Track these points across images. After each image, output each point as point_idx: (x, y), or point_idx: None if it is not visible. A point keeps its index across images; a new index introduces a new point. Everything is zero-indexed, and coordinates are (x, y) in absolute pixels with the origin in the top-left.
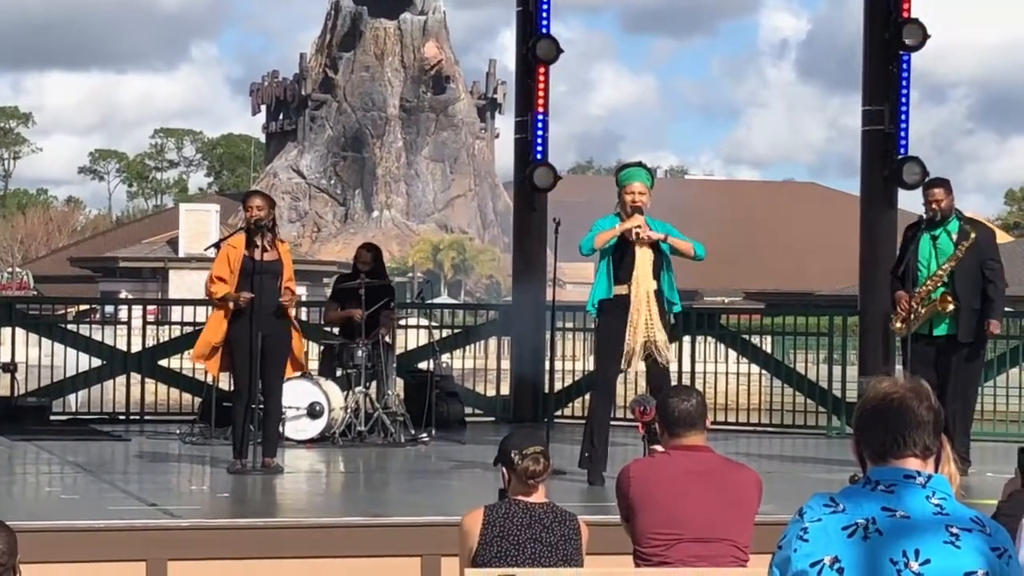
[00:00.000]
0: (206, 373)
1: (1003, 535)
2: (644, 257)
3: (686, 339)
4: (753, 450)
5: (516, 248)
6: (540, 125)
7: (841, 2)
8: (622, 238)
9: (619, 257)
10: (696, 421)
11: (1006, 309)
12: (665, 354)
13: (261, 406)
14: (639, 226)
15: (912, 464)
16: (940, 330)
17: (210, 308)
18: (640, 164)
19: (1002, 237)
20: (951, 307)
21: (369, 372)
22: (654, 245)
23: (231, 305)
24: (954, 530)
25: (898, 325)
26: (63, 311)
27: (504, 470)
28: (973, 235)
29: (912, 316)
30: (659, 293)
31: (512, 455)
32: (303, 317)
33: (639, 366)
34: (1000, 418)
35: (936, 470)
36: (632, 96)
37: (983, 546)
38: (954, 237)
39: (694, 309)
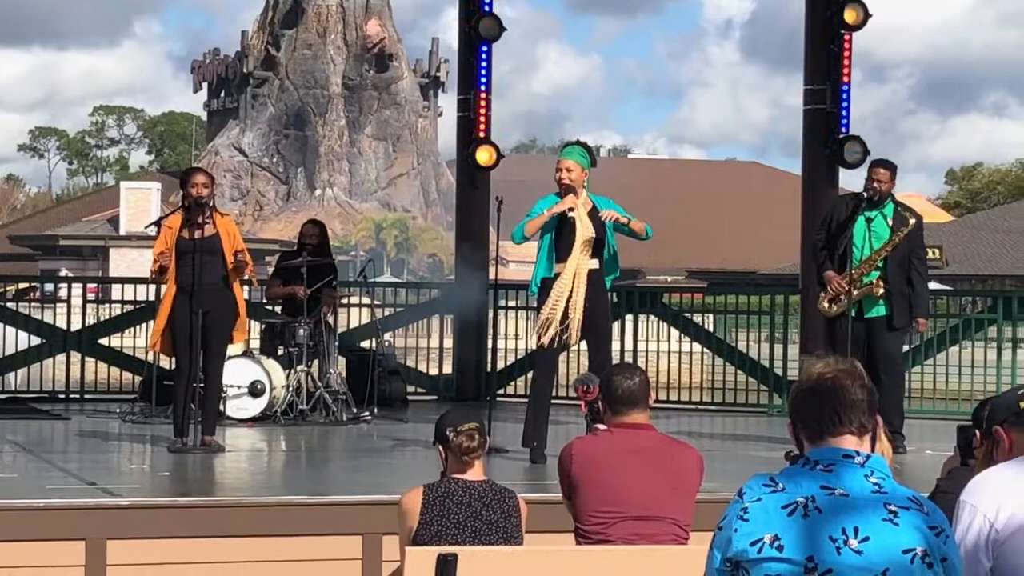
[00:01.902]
0: (146, 352)
1: (940, 515)
2: (584, 233)
3: (628, 317)
4: (695, 428)
5: (459, 227)
6: (483, 104)
7: None
8: (563, 217)
9: (560, 236)
10: (639, 399)
11: (945, 288)
12: (574, 338)
13: (201, 384)
14: (572, 208)
15: (849, 442)
16: (874, 312)
17: (152, 289)
18: (578, 142)
19: (942, 217)
20: (882, 291)
21: (311, 351)
22: (596, 221)
23: (172, 281)
24: (892, 508)
25: (826, 305)
26: (2, 289)
27: (440, 448)
28: (912, 221)
29: (843, 298)
30: (597, 272)
31: (447, 432)
32: (245, 296)
33: (583, 344)
34: (939, 396)
35: (872, 448)
36: (577, 75)
37: (921, 524)
38: (890, 222)
39: (637, 288)
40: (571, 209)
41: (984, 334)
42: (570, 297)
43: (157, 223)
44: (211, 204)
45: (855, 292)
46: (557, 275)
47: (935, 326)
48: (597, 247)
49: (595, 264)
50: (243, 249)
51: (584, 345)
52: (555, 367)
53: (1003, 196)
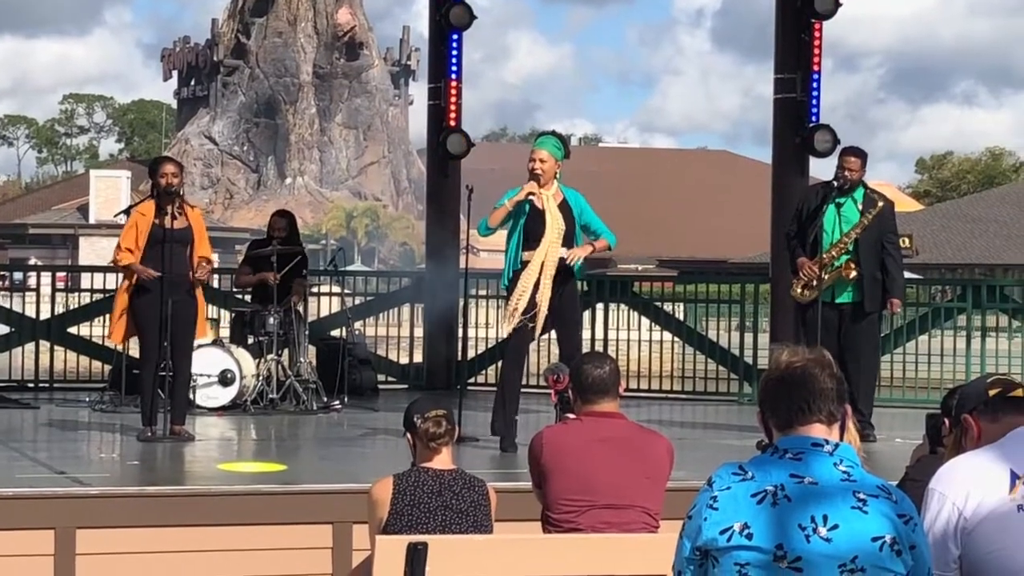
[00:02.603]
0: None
1: (908, 503)
2: (554, 223)
3: (599, 306)
4: (665, 417)
5: (429, 215)
6: (454, 92)
7: None
8: (532, 207)
9: (530, 225)
10: (609, 388)
11: (915, 276)
12: (540, 327)
13: (170, 374)
14: (532, 193)
15: (818, 431)
16: (844, 298)
17: (119, 277)
18: (553, 133)
19: (912, 205)
20: (854, 274)
21: (281, 339)
22: (566, 212)
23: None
24: (861, 496)
25: (799, 291)
26: None
27: (409, 436)
28: (881, 204)
29: (815, 283)
30: (564, 260)
31: (415, 419)
32: (215, 284)
33: (552, 333)
34: (909, 384)
35: (841, 437)
36: (548, 64)
37: (890, 512)
38: (860, 205)
39: (607, 276)
40: (531, 194)
41: (953, 323)
42: (537, 286)
43: (127, 211)
44: (181, 194)
45: (826, 277)
46: (525, 263)
47: (904, 315)
48: (567, 237)
49: (564, 253)
50: (210, 259)
51: (554, 334)
52: (524, 356)
53: (973, 185)
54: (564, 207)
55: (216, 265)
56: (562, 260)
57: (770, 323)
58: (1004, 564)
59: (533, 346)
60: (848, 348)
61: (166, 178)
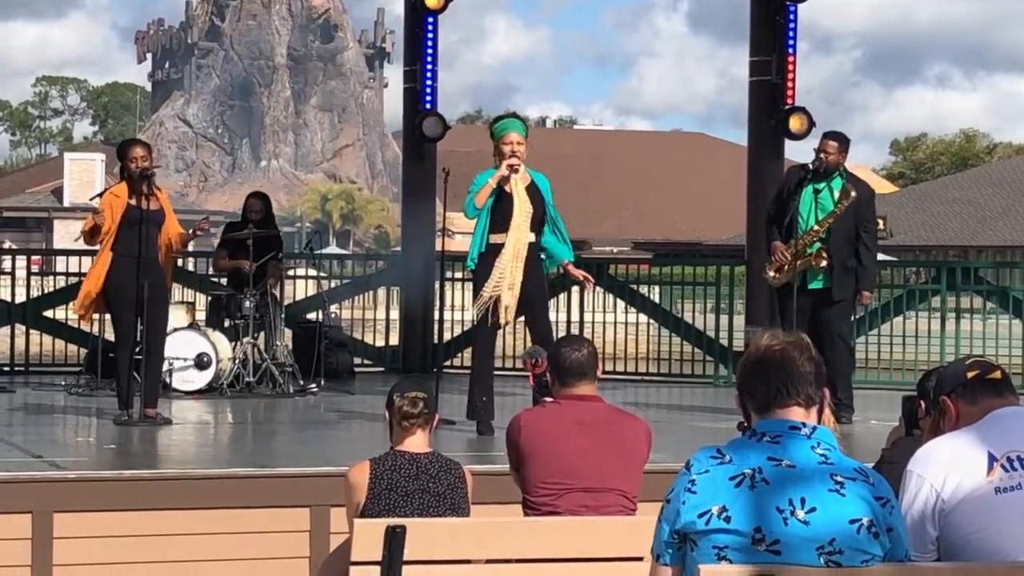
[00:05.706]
0: (92, 324)
1: (885, 486)
2: (522, 207)
3: (574, 289)
4: (641, 399)
5: (405, 198)
6: (429, 75)
7: None
8: (500, 190)
9: (497, 207)
10: (587, 371)
11: (889, 258)
12: (509, 315)
13: (140, 356)
14: (512, 166)
15: (796, 414)
16: (816, 284)
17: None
18: (514, 115)
19: (887, 187)
20: (824, 263)
21: (257, 323)
22: (534, 195)
23: (108, 249)
24: (839, 479)
25: (771, 274)
26: None
27: (387, 414)
28: (854, 194)
29: (786, 268)
30: (535, 245)
31: (394, 397)
32: (190, 268)
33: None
34: (884, 366)
35: (819, 420)
36: (525, 47)
37: (867, 495)
38: (837, 194)
39: (583, 259)
40: (509, 167)
41: (928, 304)
42: (507, 271)
43: (102, 195)
44: (153, 175)
45: (797, 263)
46: (492, 244)
47: (879, 296)
48: (534, 220)
49: (532, 237)
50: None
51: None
52: (495, 343)
53: (946, 167)
54: (532, 190)
55: (191, 248)
56: (531, 244)
57: (745, 305)
58: (982, 546)
59: (510, 328)
60: (821, 334)
61: (135, 161)
